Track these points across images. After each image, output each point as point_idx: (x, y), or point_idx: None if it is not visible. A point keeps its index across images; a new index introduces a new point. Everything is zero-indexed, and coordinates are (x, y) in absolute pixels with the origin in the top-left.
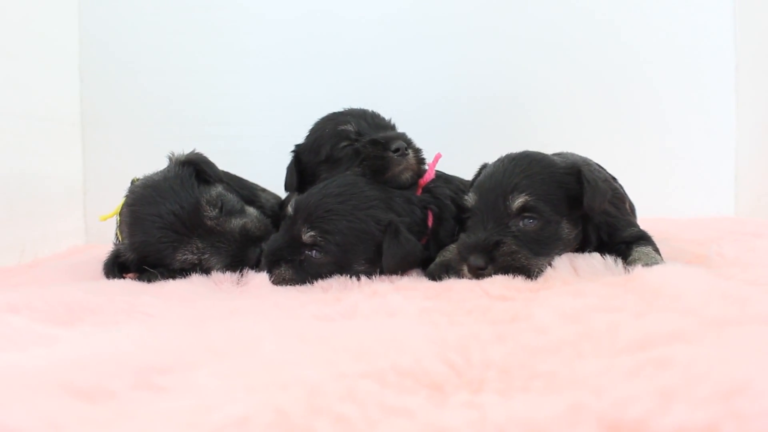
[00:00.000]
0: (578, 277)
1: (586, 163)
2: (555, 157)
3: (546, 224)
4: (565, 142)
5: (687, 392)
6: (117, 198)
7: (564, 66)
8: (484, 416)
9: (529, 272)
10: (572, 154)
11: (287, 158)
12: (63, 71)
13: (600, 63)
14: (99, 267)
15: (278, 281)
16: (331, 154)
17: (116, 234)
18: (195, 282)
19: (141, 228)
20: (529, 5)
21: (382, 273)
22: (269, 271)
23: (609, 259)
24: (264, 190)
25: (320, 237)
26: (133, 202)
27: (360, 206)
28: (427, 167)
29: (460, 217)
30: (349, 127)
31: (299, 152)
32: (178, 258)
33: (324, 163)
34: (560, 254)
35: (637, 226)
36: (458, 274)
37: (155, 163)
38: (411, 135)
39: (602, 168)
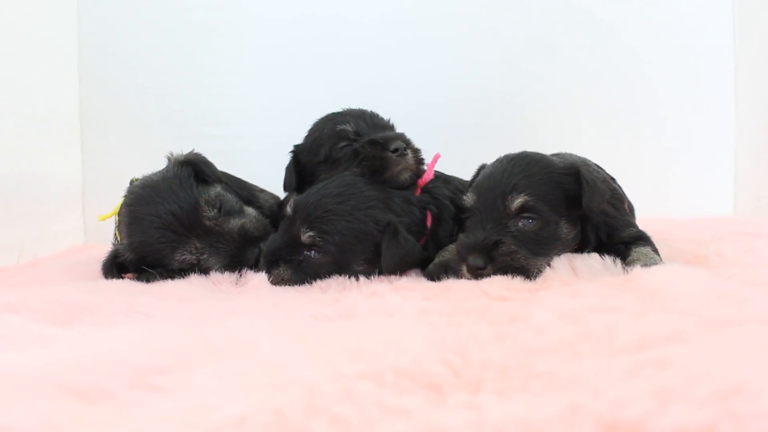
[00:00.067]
0: (577, 278)
1: (585, 163)
2: (553, 158)
3: (545, 224)
4: (564, 143)
5: (685, 393)
6: (116, 198)
7: (563, 66)
8: (482, 417)
9: (528, 272)
10: (571, 155)
11: (286, 158)
12: (62, 71)
13: (599, 63)
14: (98, 267)
15: (277, 281)
16: (329, 155)
17: (115, 234)
18: (193, 282)
19: (140, 228)
20: (529, 5)
21: (380, 273)
22: (268, 272)
23: (608, 259)
24: (262, 191)
25: (319, 237)
26: (131, 202)
27: (359, 206)
28: (425, 167)
29: (459, 217)
30: (348, 128)
31: (298, 152)
32: (177, 258)
33: (323, 164)
34: (559, 254)
35: (635, 226)
36: (457, 275)
37: (154, 163)
38: (410, 135)
39: (601, 168)
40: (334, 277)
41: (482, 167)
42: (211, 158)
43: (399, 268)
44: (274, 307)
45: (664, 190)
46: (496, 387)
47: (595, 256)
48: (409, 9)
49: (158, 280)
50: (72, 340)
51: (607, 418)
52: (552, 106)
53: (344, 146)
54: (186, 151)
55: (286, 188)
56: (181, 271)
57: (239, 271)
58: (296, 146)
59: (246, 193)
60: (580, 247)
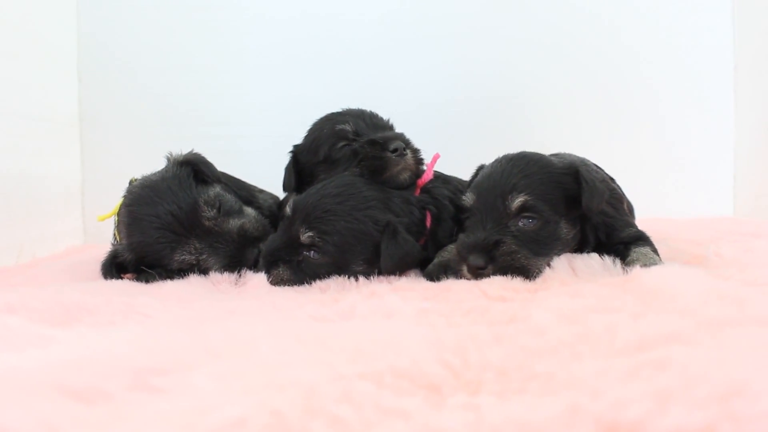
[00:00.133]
0: (576, 278)
1: (584, 163)
2: (552, 158)
3: (545, 224)
4: (563, 142)
5: (684, 394)
6: (115, 198)
7: (563, 66)
8: (481, 418)
9: (529, 272)
10: (570, 155)
11: (285, 158)
12: (61, 71)
13: (599, 63)
14: (97, 267)
15: (276, 282)
16: (329, 155)
17: (114, 234)
18: (193, 282)
19: (139, 228)
20: (528, 5)
21: (380, 273)
22: (267, 272)
23: (607, 259)
24: (262, 191)
25: (318, 237)
26: (131, 203)
27: (358, 207)
28: (425, 167)
29: (458, 217)
30: (347, 127)
31: (297, 152)
32: (176, 258)
33: (322, 164)
34: (559, 254)
35: (635, 226)
36: (457, 275)
37: (153, 163)
38: (409, 135)
39: (600, 168)
40: (334, 278)
41: (481, 167)
42: (210, 158)
43: (398, 268)
44: (273, 308)
45: (663, 190)
46: (495, 388)
47: (594, 256)
48: (409, 9)
49: (157, 280)
50: (71, 341)
51: (606, 419)
52: (551, 106)
53: (343, 146)
54: (185, 151)
55: (285, 188)
56: (181, 272)
57: (238, 272)
58: (295, 146)
59: (245, 193)
60: (580, 248)
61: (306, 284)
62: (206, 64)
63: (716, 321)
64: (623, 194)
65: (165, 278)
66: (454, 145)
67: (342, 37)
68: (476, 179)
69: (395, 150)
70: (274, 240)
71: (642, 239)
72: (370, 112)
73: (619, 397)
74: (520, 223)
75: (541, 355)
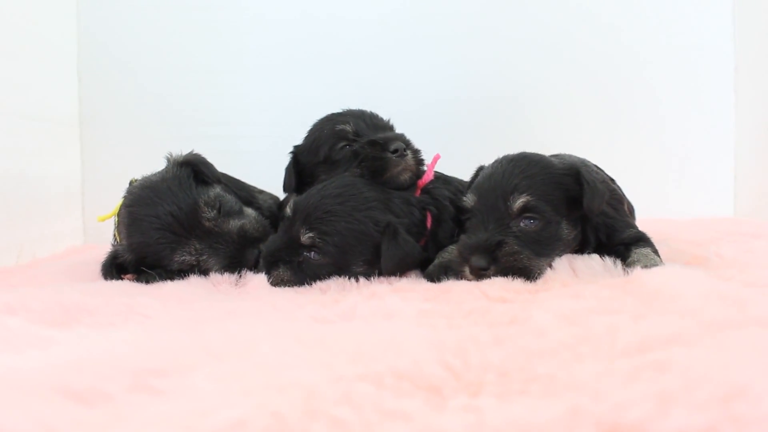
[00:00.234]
0: (577, 279)
1: (584, 164)
2: (553, 158)
3: (547, 224)
4: (564, 143)
5: (686, 396)
6: (115, 198)
7: (563, 66)
8: (482, 420)
9: (531, 273)
10: (570, 156)
11: (286, 159)
12: (61, 71)
13: (599, 64)
14: (97, 268)
15: (276, 282)
16: (329, 155)
17: (114, 235)
18: (193, 283)
19: (139, 229)
20: (529, 6)
21: (380, 274)
22: (267, 273)
23: (608, 260)
24: (262, 192)
25: (319, 238)
26: (131, 203)
27: (359, 207)
28: (425, 168)
29: (459, 218)
30: (348, 128)
31: (298, 153)
32: (176, 259)
33: (322, 164)
34: (560, 255)
35: (635, 227)
36: (457, 276)
37: (153, 164)
38: (410, 136)
39: (600, 169)
40: (334, 278)
41: (481, 168)
42: (210, 159)
43: (399, 269)
44: (273, 309)
45: (663, 191)
46: (496, 390)
47: (595, 257)
48: (409, 9)
49: (157, 281)
50: (70, 342)
51: (607, 421)
52: (551, 106)
53: (344, 147)
54: (185, 151)
55: (285, 189)
56: (181, 272)
57: (239, 272)
58: (296, 147)
59: (245, 193)
60: (580, 248)
61: (306, 285)
62: (206, 65)
63: (717, 322)
64: (624, 195)
65: (165, 279)
66: (454, 146)
67: (342, 37)
68: (477, 180)
69: (396, 150)
70: (274, 241)
71: (643, 240)
72: (371, 112)
73: (620, 399)
74: (522, 224)
75: (542, 357)
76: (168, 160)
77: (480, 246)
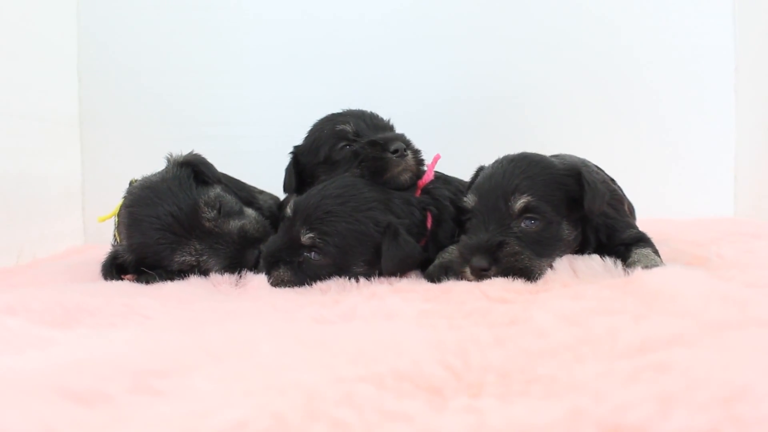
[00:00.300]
0: (578, 279)
1: (584, 164)
2: (553, 159)
3: (547, 225)
4: (564, 143)
5: (687, 397)
6: (115, 199)
7: (563, 67)
8: (483, 421)
9: (532, 273)
10: (570, 156)
11: (286, 159)
12: (61, 71)
13: (599, 64)
14: (97, 268)
15: (277, 283)
16: (329, 155)
17: (114, 235)
18: (193, 284)
19: (139, 229)
20: (529, 6)
21: (380, 275)
22: (268, 273)
23: (608, 261)
24: (262, 192)
25: (319, 239)
26: (131, 204)
27: (359, 208)
28: (425, 168)
29: (459, 218)
30: (348, 128)
31: (298, 153)
32: (176, 259)
33: (322, 164)
34: (561, 256)
35: (636, 227)
36: (458, 276)
37: (154, 164)
38: (410, 136)
39: (600, 169)
40: (334, 279)
41: (481, 168)
42: (210, 159)
43: (399, 269)
44: (273, 309)
45: (664, 191)
46: (497, 391)
47: (595, 257)
48: (409, 9)
49: (158, 281)
50: (71, 343)
51: (609, 423)
52: (552, 106)
53: (344, 147)
54: (185, 151)
55: (285, 189)
56: (181, 273)
57: (239, 273)
58: (296, 147)
59: (245, 194)
60: (581, 249)
61: (307, 285)
62: (207, 65)
63: (718, 323)
64: (624, 195)
65: (165, 279)
66: (454, 146)
67: (342, 37)
68: (477, 180)
69: (396, 151)
70: (274, 241)
71: (643, 240)
72: (371, 112)
73: (621, 401)
74: (523, 224)
75: (543, 358)
76: (168, 160)
77: (481, 246)
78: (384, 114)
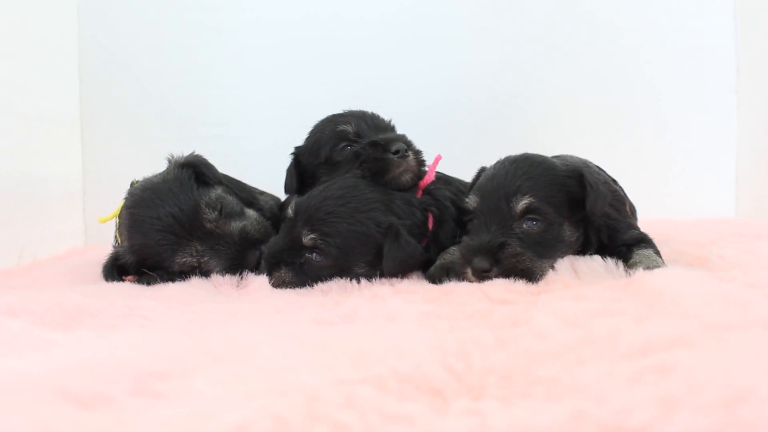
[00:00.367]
0: (579, 280)
1: (586, 165)
2: (555, 160)
3: (549, 226)
4: (565, 144)
5: (689, 399)
6: (116, 200)
7: (564, 67)
8: (485, 423)
9: (533, 275)
10: (572, 157)
11: (287, 160)
12: (62, 72)
13: (600, 64)
14: (98, 269)
15: (278, 284)
16: (330, 156)
17: (115, 236)
18: (194, 285)
19: (140, 230)
20: (530, 7)
21: (382, 276)
22: (269, 274)
23: (610, 261)
24: (263, 193)
25: (320, 239)
26: (132, 205)
27: (360, 209)
28: (427, 169)
29: (461, 219)
30: (349, 129)
31: (299, 154)
32: (178, 261)
33: (323, 165)
34: (562, 257)
35: (637, 228)
36: (459, 277)
37: (155, 165)
38: (411, 136)
39: (602, 170)
40: (336, 280)
41: (482, 169)
42: (211, 160)
43: (400, 270)
44: (275, 311)
45: (665, 191)
46: (498, 393)
47: (597, 258)
48: (410, 10)
49: (159, 282)
50: (71, 345)
51: (611, 425)
52: (553, 107)
53: (345, 147)
54: (186, 152)
55: (287, 190)
56: (182, 274)
57: (240, 274)
58: (297, 148)
59: (246, 195)
60: (582, 250)
61: (308, 286)
62: (207, 65)
63: (720, 325)
64: (625, 196)
65: (166, 280)
66: (455, 147)
67: (343, 38)
68: (479, 181)
69: (397, 151)
70: (275, 242)
71: (644, 241)
72: (372, 113)
73: (623, 403)
74: (525, 225)
75: (545, 360)
76: (169, 161)
77: (482, 247)
78: (385, 114)
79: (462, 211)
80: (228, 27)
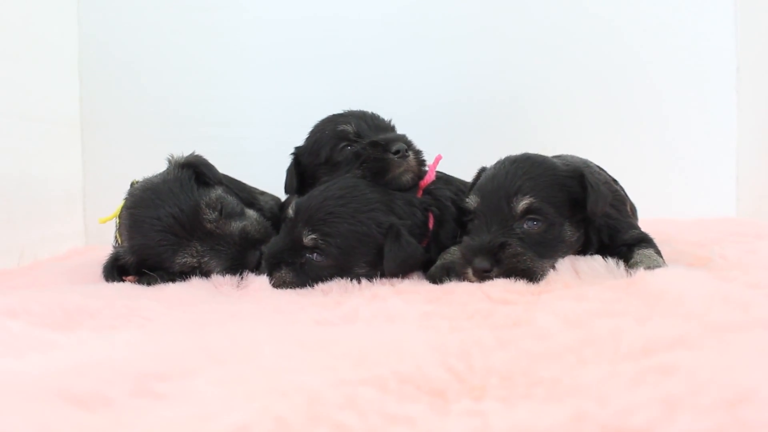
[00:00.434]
0: (580, 280)
1: (587, 165)
2: (555, 160)
3: (550, 226)
4: (566, 144)
5: (691, 400)
6: (116, 200)
7: (565, 67)
8: (487, 424)
9: (534, 275)
10: (572, 157)
11: (287, 160)
12: (62, 72)
13: (601, 64)
14: (98, 270)
15: (278, 284)
16: (330, 156)
17: (116, 237)
18: (195, 285)
19: (140, 231)
20: (530, 6)
21: (382, 276)
22: (269, 274)
23: (611, 261)
24: (263, 193)
25: (321, 240)
26: (132, 205)
27: (361, 209)
28: (427, 169)
29: (461, 219)
30: (349, 129)
31: (299, 154)
32: (178, 261)
33: (324, 165)
34: (563, 257)
35: (638, 228)
36: (460, 277)
37: (155, 165)
38: (411, 136)
39: (602, 170)
40: (336, 280)
41: (482, 170)
42: (211, 160)
43: (401, 270)
44: (275, 311)
45: (665, 191)
46: (500, 393)
47: (597, 258)
48: (410, 10)
49: (159, 283)
50: (72, 346)
51: (612, 426)
52: (553, 107)
53: (345, 148)
54: (186, 153)
55: (287, 190)
56: (182, 274)
57: (240, 274)
58: (297, 148)
59: (246, 195)
60: (583, 250)
61: (308, 287)
62: (207, 66)
63: (722, 325)
64: (626, 196)
65: (167, 281)
66: (456, 146)
67: (343, 38)
68: (479, 181)
69: (397, 151)
70: (276, 242)
71: (645, 241)
72: (372, 113)
73: (625, 404)
74: (525, 226)
75: (546, 360)
76: (169, 161)
77: (483, 248)
78: (385, 114)
79: (462, 211)
80: (228, 27)
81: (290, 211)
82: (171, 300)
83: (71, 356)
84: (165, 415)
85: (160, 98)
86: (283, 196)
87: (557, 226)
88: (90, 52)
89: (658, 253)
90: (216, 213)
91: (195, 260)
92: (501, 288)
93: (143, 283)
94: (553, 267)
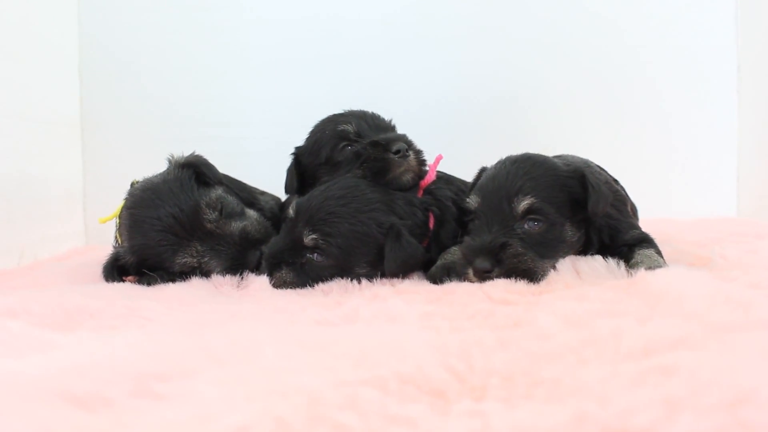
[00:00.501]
0: (581, 281)
1: (588, 165)
2: (556, 160)
3: (551, 226)
4: (566, 143)
5: (693, 401)
6: (117, 200)
7: (565, 67)
8: (488, 425)
9: (535, 275)
10: (573, 157)
11: (287, 160)
12: (62, 72)
13: (601, 63)
14: (98, 270)
15: (279, 284)
16: (331, 156)
17: (116, 237)
18: (195, 285)
19: (140, 231)
20: (531, 6)
21: (383, 276)
22: (270, 274)
23: (611, 262)
24: (263, 193)
25: (322, 240)
26: (132, 205)
27: (362, 209)
28: (427, 168)
29: (462, 218)
30: (349, 128)
31: (299, 154)
32: (178, 261)
33: (324, 165)
34: (564, 257)
35: (638, 228)
36: (460, 277)
37: (155, 165)
38: (412, 136)
39: (603, 170)
40: (337, 280)
41: (483, 170)
42: (211, 160)
43: (402, 270)
44: (275, 311)
45: (666, 191)
46: (501, 394)
47: (598, 258)
48: (411, 9)
49: (159, 283)
50: (72, 346)
51: (614, 427)
52: (554, 106)
53: (345, 147)
54: (187, 153)
55: (287, 190)
56: (183, 274)
57: (241, 274)
58: (297, 148)
59: (247, 195)
60: (583, 250)
61: (309, 287)
62: (208, 66)
63: (723, 325)
64: (627, 196)
65: (167, 281)
66: (456, 146)
67: (344, 38)
68: (480, 181)
69: (398, 151)
70: (276, 242)
71: (646, 241)
72: (372, 113)
73: (626, 405)
74: (526, 226)
75: (547, 361)
76: (169, 161)
77: (484, 248)
78: (386, 114)
79: (463, 211)
80: (228, 27)
81: (291, 211)
82: (171, 300)
83: (71, 356)
84: (165, 415)
85: (160, 98)
86: (283, 196)
87: (558, 227)
88: (90, 52)
89: (659, 253)
90: (216, 213)
91: (195, 260)
92: (502, 288)
93: (143, 283)
94: (554, 267)
